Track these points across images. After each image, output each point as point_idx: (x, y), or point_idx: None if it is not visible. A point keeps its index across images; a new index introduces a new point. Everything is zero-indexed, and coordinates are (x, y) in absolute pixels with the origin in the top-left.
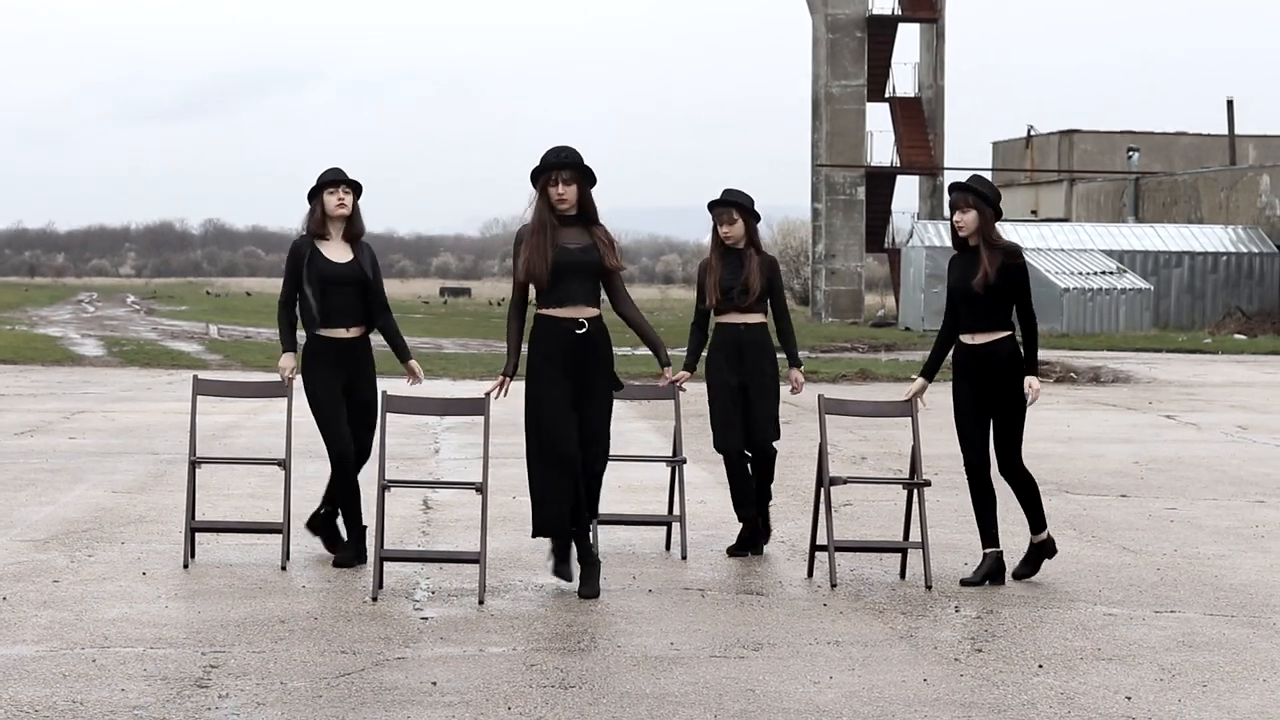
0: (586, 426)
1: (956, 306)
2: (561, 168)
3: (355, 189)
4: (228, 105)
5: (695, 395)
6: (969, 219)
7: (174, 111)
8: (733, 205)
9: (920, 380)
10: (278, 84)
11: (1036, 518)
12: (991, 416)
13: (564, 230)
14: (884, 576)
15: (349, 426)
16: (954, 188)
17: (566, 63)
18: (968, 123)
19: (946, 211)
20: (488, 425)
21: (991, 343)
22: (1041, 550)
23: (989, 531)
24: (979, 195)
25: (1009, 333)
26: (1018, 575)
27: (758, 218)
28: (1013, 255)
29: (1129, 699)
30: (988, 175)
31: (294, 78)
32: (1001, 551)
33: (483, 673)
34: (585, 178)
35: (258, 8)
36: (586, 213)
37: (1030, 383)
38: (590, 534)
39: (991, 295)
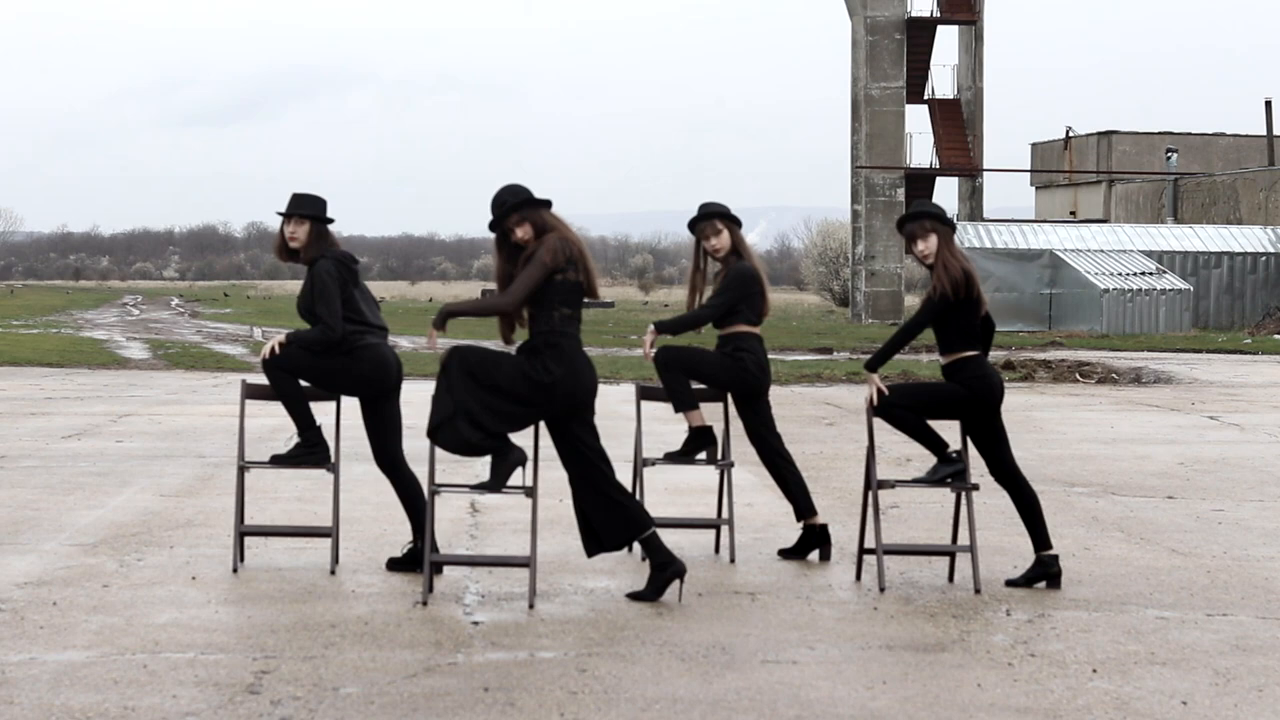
0: None
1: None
2: (505, 216)
3: (307, 217)
4: (271, 108)
5: None
6: (930, 244)
7: (218, 115)
8: (716, 216)
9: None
10: (320, 88)
11: (1038, 534)
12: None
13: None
14: (933, 580)
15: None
16: (910, 218)
17: (605, 65)
18: (1006, 124)
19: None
20: (538, 429)
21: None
22: (1042, 568)
23: (1035, 535)
24: (935, 218)
25: (963, 354)
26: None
27: (739, 223)
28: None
29: (1185, 704)
30: (1025, 177)
31: (337, 81)
32: (1055, 555)
33: (535, 678)
34: (531, 207)
35: (302, 12)
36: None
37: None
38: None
39: (942, 315)
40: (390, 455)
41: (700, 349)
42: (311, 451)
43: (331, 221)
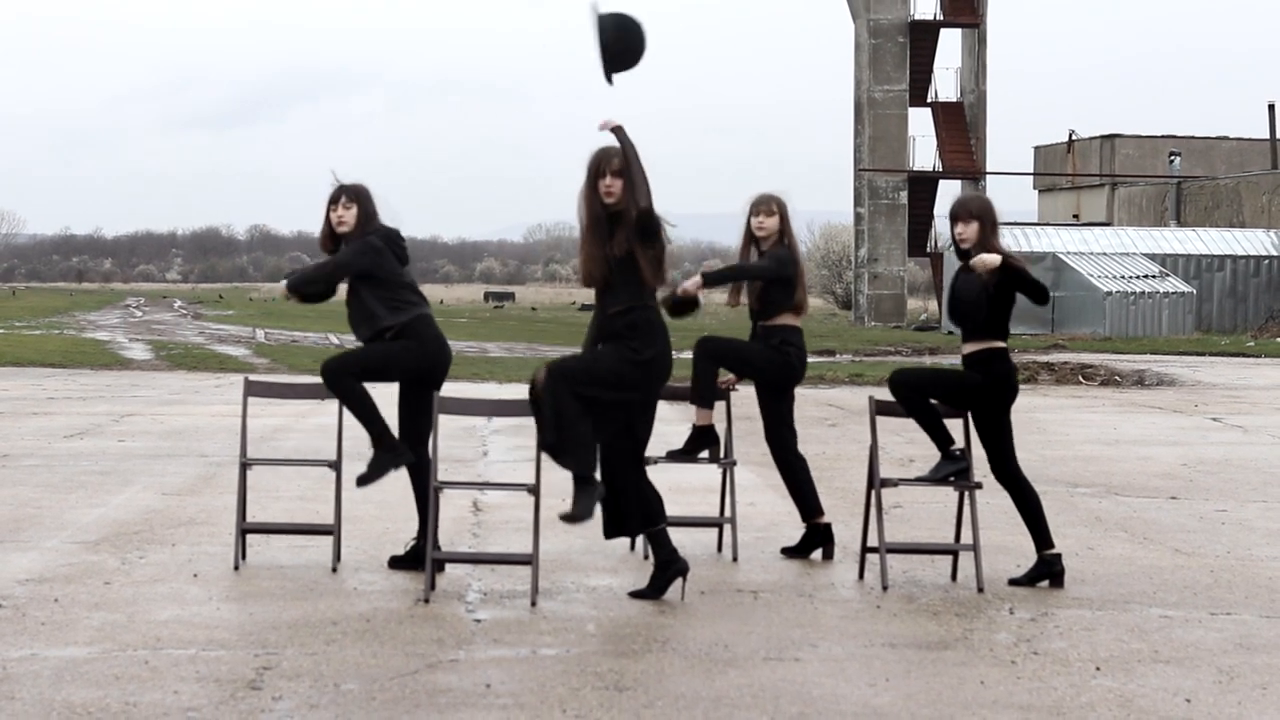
0: None
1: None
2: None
3: (355, 200)
4: (275, 111)
5: (745, 397)
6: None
7: (220, 117)
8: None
9: None
10: (323, 90)
11: (1039, 534)
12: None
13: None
14: (936, 578)
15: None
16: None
17: None
18: (1009, 127)
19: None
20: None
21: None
22: (1045, 567)
23: (1037, 535)
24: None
25: (989, 344)
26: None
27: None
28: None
29: (1188, 701)
30: (1029, 180)
31: (339, 84)
32: (1058, 554)
33: (537, 675)
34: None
35: (307, 14)
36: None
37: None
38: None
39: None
40: (417, 446)
41: (744, 340)
42: (394, 453)
43: (375, 216)
